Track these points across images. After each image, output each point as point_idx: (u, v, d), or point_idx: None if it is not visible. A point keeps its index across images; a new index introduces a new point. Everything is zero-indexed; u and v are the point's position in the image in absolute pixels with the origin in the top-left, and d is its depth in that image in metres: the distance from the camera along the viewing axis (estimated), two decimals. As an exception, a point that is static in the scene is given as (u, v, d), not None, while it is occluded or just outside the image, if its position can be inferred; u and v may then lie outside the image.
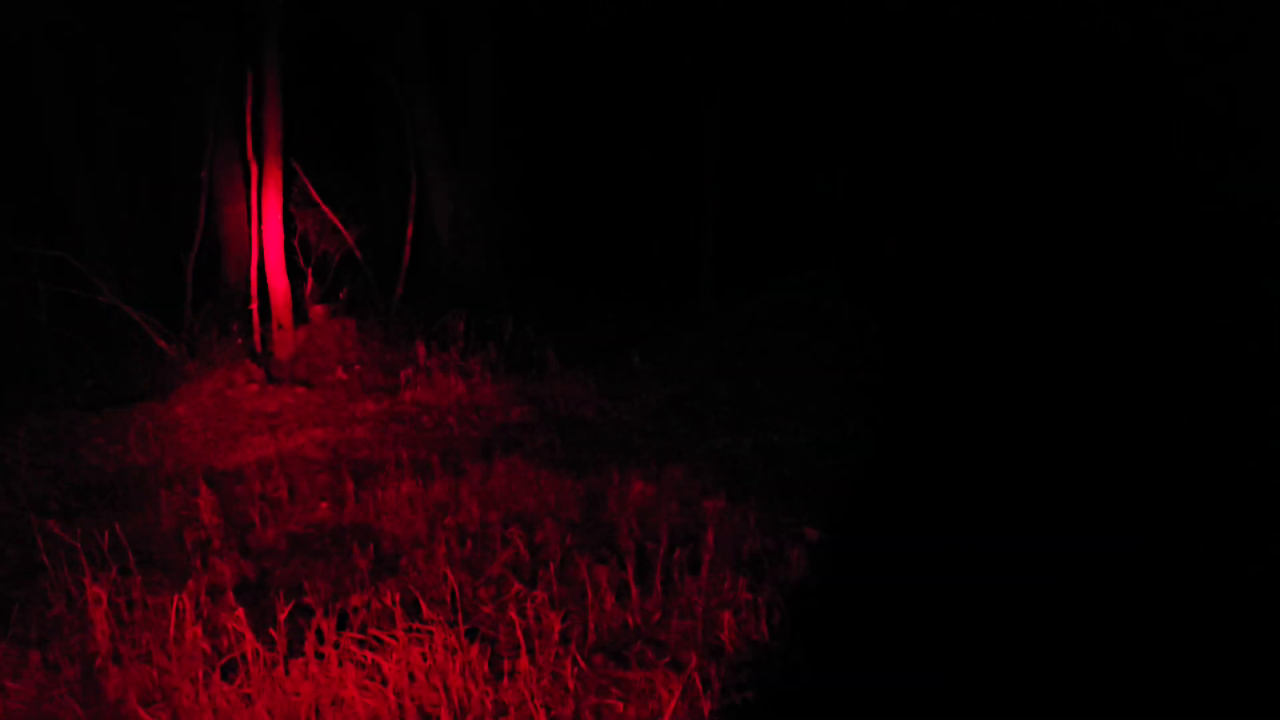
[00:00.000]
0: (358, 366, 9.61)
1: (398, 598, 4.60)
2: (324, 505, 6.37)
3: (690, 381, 9.40)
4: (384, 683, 4.14)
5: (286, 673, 4.20)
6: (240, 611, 4.41)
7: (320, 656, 4.26)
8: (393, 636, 4.35)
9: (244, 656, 4.24)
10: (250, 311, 9.93)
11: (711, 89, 11.62)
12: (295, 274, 10.24)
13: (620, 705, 4.04)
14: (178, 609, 4.50)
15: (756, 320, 11.36)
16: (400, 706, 4.05)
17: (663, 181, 13.94)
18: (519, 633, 4.41)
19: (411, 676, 4.18)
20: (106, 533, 5.36)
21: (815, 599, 4.96)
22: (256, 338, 9.89)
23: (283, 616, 4.36)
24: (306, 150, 10.97)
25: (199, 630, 4.44)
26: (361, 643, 4.34)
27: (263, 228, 9.63)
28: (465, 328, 9.91)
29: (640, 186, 14.09)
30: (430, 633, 4.38)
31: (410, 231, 11.67)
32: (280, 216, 9.83)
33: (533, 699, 4.03)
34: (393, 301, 11.35)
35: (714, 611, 4.75)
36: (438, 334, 9.93)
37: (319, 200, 10.76)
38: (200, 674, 4.17)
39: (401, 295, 11.46)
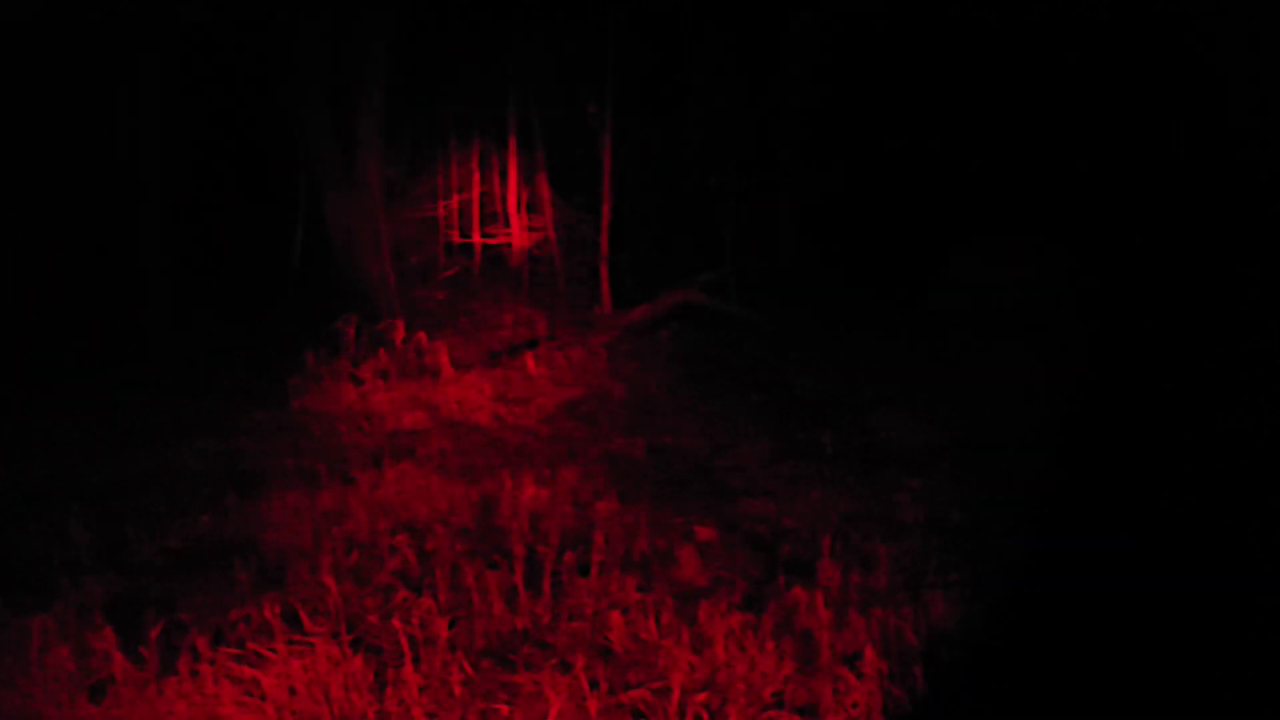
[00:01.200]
0: (244, 374, 9.35)
1: (279, 610, 4.49)
2: (205, 518, 6.16)
3: (585, 384, 9.41)
4: (263, 698, 4.03)
5: (159, 692, 4.06)
6: (108, 630, 4.24)
7: (195, 674, 4.12)
8: (272, 650, 4.25)
9: (113, 677, 4.08)
10: (132, 318, 9.59)
11: (602, 100, 11.65)
12: (180, 278, 9.94)
13: (506, 709, 4.01)
14: (42, 630, 4.31)
15: (653, 323, 11.44)
16: (280, 721, 3.95)
17: (559, 187, 13.92)
18: (404, 641, 4.34)
19: (292, 690, 4.08)
20: (-34, 553, 5.10)
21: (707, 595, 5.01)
22: (137, 345, 9.56)
23: (154, 634, 4.21)
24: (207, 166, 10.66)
25: (65, 651, 4.24)
26: (239, 658, 4.23)
27: (140, 232, 9.31)
28: (356, 334, 9.71)
29: (534, 194, 14.03)
30: (312, 645, 4.29)
31: (299, 237, 11.42)
32: (160, 223, 9.52)
33: (417, 707, 3.98)
34: (283, 308, 11.09)
35: (604, 613, 4.75)
36: (327, 340, 9.70)
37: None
38: (66, 697, 4.00)
39: (292, 302, 11.20)
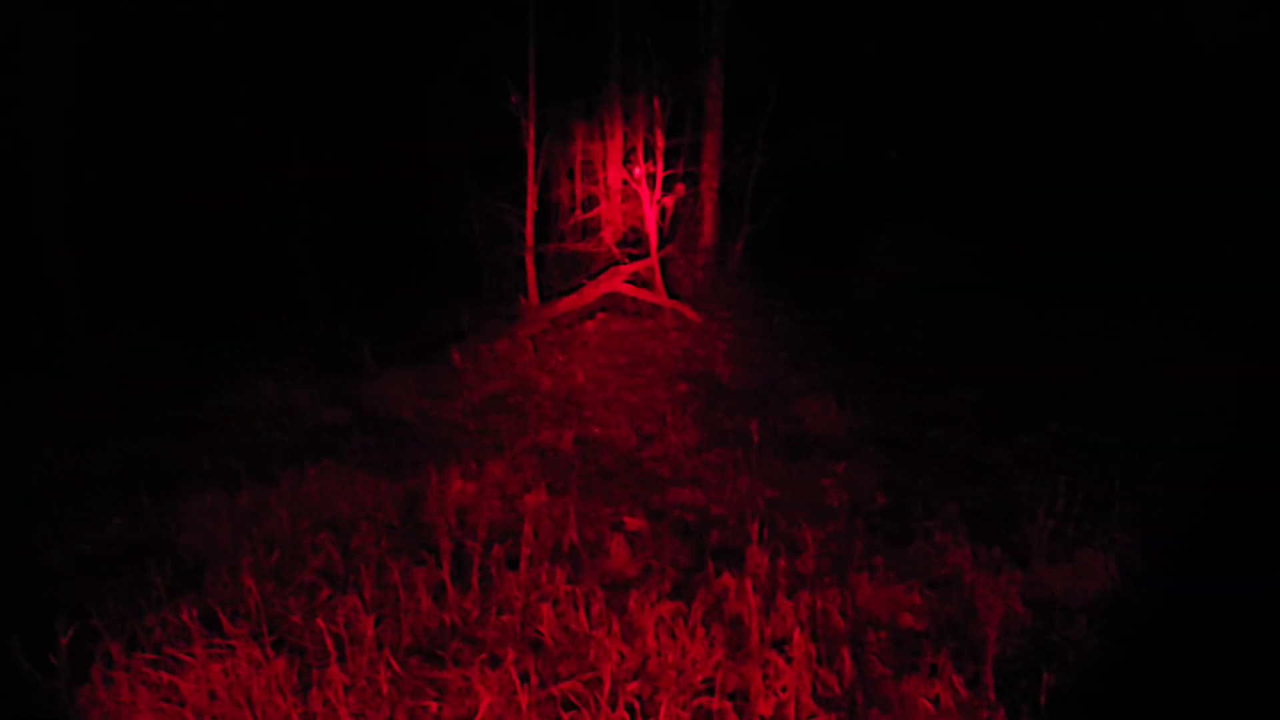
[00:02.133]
0: (158, 374, 9.06)
1: (196, 614, 4.36)
2: (117, 521, 5.96)
3: (512, 377, 9.34)
4: (181, 704, 3.92)
5: (71, 702, 3.92)
6: (16, 639, 4.06)
7: (109, 682, 3.99)
8: (191, 654, 4.13)
9: (22, 687, 3.92)
10: (43, 320, 9.22)
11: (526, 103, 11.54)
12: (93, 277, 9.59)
13: (435, 706, 3.96)
14: (-58, 641, 4.12)
15: (579, 314, 11.39)
16: (200, 727, 3.84)
17: (481, 177, 13.78)
18: (329, 640, 4.25)
19: (212, 695, 3.97)
20: None
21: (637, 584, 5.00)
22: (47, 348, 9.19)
23: (65, 641, 4.05)
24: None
25: (-33, 663, 4.07)
26: (156, 663, 4.09)
27: (45, 231, 8.95)
28: (276, 326, 9.48)
29: (458, 186, 13.86)
30: (233, 647, 4.18)
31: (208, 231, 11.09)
32: (65, 221, 9.16)
33: (343, 707, 3.90)
34: (200, 306, 10.77)
35: (533, 605, 4.72)
36: (245, 337, 9.47)
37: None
38: (-31, 710, 3.83)
39: (210, 299, 10.89)
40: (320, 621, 4.42)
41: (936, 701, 3.95)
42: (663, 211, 12.30)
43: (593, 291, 11.45)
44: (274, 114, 13.09)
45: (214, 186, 12.62)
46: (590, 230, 12.73)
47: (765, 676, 4.06)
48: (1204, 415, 7.24)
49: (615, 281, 11.54)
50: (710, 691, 4.00)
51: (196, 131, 12.49)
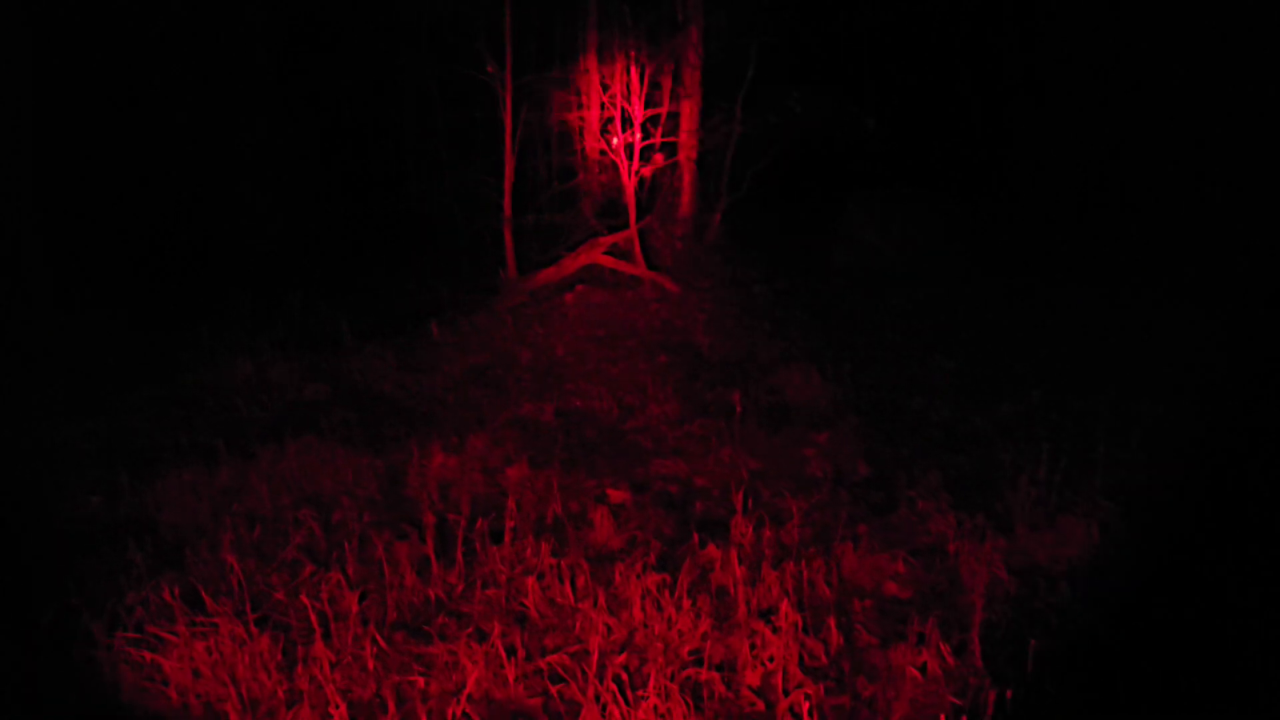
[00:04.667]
0: (132, 352, 8.93)
1: (178, 591, 4.31)
2: (95, 500, 5.88)
3: (491, 350, 9.28)
4: (165, 683, 3.88)
5: (52, 682, 3.87)
6: (-7, 621, 4.02)
7: (91, 661, 3.94)
8: (174, 633, 4.09)
9: (0, 668, 3.87)
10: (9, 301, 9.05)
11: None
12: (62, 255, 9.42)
13: (422, 681, 3.94)
14: (-82, 624, 4.06)
15: (559, 286, 11.34)
16: (185, 705, 3.81)
17: (458, 149, 13.64)
18: (313, 617, 4.22)
19: (196, 673, 3.93)
20: None
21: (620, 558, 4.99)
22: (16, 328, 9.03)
23: (45, 621, 4.00)
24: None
25: (-55, 645, 4.01)
26: (138, 643, 4.05)
27: (9, 205, 8.77)
28: (252, 303, 9.35)
29: (434, 158, 13.73)
30: (216, 625, 4.14)
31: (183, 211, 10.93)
32: (35, 199, 8.98)
33: (329, 684, 3.87)
34: (172, 283, 10.62)
35: (518, 579, 4.71)
36: (220, 313, 9.34)
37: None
38: (-53, 693, 3.78)
39: (183, 271, 10.73)
40: (304, 598, 4.39)
41: (924, 670, 3.97)
42: (641, 182, 12.22)
43: (572, 263, 11.39)
44: (237, 87, 12.90)
45: (180, 163, 12.44)
46: (568, 202, 12.64)
47: (752, 647, 4.07)
48: (1185, 383, 7.29)
49: (594, 253, 11.48)
50: (698, 663, 4.00)
51: (157, 108, 12.28)
